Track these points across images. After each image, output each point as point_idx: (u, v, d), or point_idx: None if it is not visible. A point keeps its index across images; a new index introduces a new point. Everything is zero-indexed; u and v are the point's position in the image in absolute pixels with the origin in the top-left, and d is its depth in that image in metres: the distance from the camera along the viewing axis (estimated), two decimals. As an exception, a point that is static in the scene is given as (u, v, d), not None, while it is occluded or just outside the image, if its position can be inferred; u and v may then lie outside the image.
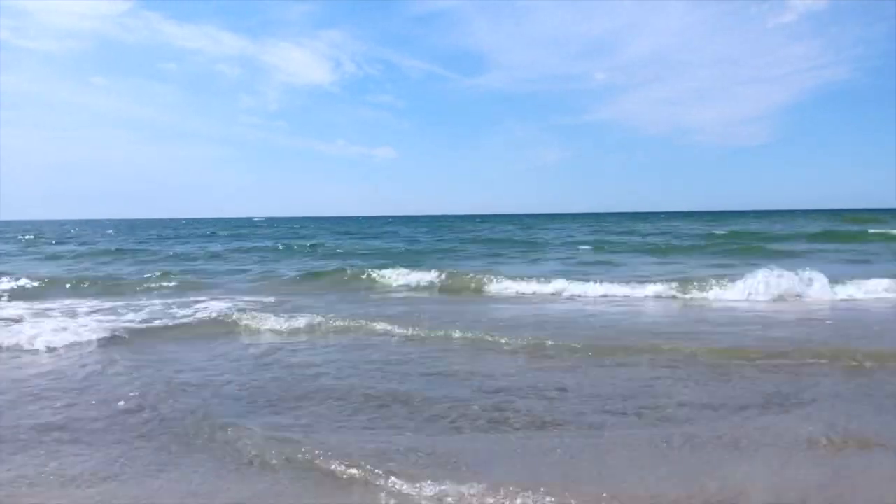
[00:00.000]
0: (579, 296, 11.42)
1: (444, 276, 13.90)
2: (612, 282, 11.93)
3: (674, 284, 11.45)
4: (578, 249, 23.81)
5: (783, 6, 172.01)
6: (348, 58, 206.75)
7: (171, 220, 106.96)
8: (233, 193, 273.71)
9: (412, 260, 19.25)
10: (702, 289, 11.17)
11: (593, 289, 11.65)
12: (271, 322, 8.42)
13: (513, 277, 13.04)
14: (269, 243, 30.67)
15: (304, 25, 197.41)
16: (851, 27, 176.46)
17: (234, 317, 8.88)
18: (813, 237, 26.55)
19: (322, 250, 25.68)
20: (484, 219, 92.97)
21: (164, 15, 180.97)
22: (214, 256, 23.61)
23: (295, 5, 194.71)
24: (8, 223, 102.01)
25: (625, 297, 11.16)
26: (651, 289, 11.36)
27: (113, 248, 27.36)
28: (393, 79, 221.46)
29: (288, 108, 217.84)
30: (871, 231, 27.69)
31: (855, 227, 31.68)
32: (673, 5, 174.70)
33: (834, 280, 10.91)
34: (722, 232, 32.27)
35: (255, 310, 9.51)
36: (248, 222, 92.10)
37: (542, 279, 12.61)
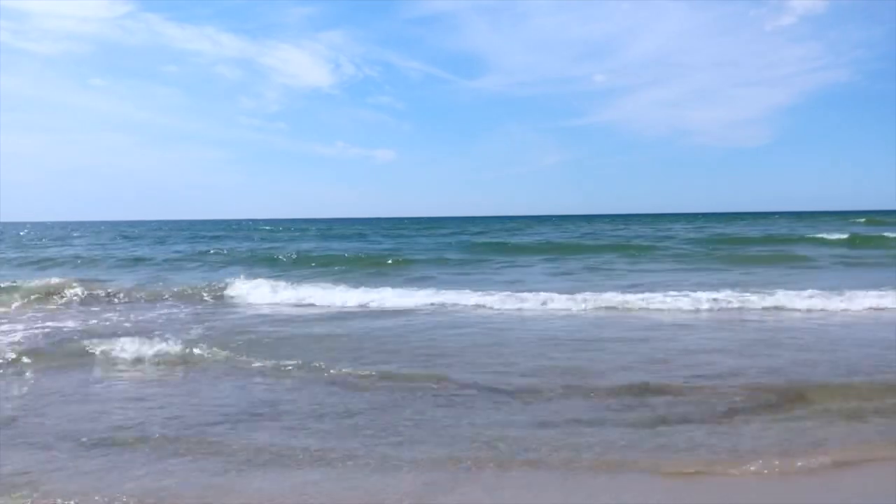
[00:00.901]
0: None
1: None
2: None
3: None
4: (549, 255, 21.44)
5: (782, 9, 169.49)
6: (347, 59, 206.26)
7: (165, 223, 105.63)
8: (232, 195, 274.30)
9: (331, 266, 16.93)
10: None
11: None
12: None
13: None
14: (209, 247, 27.79)
15: (303, 27, 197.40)
16: (850, 30, 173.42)
17: None
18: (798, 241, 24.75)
19: (233, 258, 22.52)
20: (489, 221, 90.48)
21: (164, 17, 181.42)
22: (138, 260, 21.54)
23: (294, 7, 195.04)
24: (4, 225, 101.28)
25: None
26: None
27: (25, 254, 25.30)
28: (392, 81, 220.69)
29: (288, 109, 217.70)
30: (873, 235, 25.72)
31: (858, 230, 29.67)
32: (672, 8, 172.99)
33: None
34: (701, 236, 30.25)
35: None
36: (238, 224, 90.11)
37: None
